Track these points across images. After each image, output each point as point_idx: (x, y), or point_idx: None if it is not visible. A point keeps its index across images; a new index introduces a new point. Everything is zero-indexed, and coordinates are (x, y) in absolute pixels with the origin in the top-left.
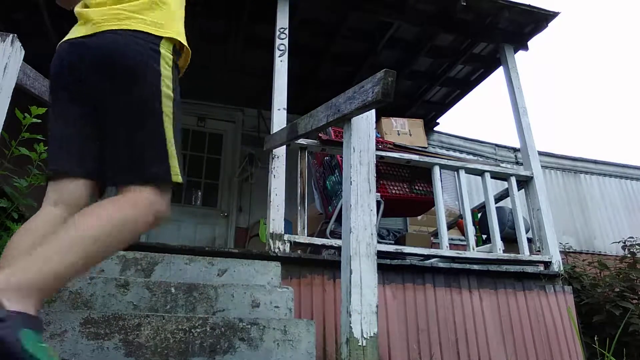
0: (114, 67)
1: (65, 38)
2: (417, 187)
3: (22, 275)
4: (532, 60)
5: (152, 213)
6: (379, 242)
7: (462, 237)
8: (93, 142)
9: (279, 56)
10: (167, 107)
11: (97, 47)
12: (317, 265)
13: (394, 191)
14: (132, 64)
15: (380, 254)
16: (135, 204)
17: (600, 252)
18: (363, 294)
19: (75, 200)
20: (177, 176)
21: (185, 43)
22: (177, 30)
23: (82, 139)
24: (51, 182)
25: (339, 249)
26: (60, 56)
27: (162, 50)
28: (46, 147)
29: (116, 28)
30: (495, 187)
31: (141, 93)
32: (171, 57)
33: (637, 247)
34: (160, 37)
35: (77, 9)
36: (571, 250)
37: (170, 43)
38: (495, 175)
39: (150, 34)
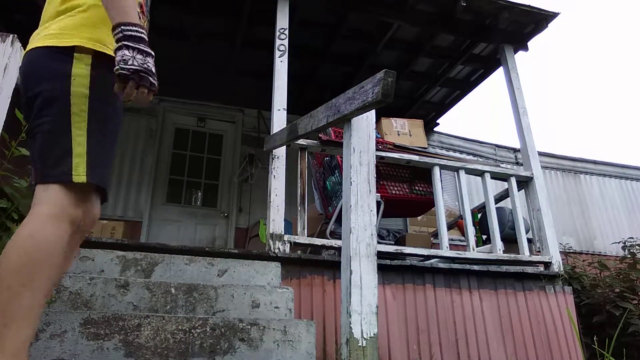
0: (26, 80)
1: None
2: (417, 188)
3: None
4: (532, 60)
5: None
6: (379, 242)
7: (462, 238)
8: None
9: (279, 56)
10: (77, 105)
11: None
12: (317, 265)
13: (394, 191)
14: (30, 78)
15: (380, 255)
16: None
17: (600, 252)
18: (363, 295)
19: None
20: (79, 176)
21: (98, 48)
22: (86, 36)
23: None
24: None
25: (339, 249)
26: None
27: (75, 54)
28: None
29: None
30: (495, 187)
31: (45, 94)
32: (87, 57)
33: (637, 247)
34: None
35: None
36: (571, 250)
37: (81, 49)
38: (495, 176)
39: (54, 45)
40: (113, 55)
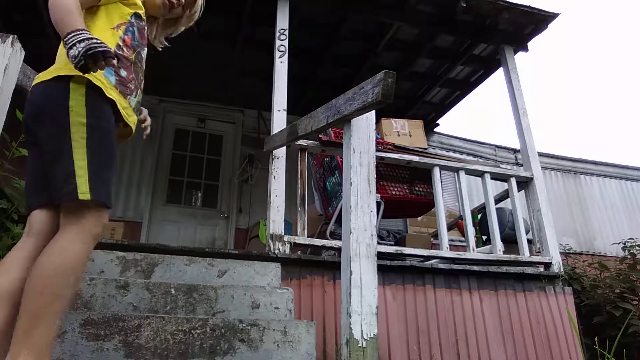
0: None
1: None
2: (417, 188)
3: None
4: (532, 61)
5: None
6: (379, 243)
7: (462, 238)
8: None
9: (279, 57)
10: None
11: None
12: (317, 266)
13: (394, 192)
14: (41, 107)
15: (381, 255)
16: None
17: (600, 253)
18: (363, 295)
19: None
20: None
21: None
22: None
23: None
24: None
25: (339, 250)
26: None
27: (71, 85)
28: None
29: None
30: (495, 188)
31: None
32: (81, 87)
33: (637, 248)
34: (65, 76)
35: None
36: (571, 251)
37: (78, 78)
38: (495, 176)
39: (58, 76)
40: (104, 83)
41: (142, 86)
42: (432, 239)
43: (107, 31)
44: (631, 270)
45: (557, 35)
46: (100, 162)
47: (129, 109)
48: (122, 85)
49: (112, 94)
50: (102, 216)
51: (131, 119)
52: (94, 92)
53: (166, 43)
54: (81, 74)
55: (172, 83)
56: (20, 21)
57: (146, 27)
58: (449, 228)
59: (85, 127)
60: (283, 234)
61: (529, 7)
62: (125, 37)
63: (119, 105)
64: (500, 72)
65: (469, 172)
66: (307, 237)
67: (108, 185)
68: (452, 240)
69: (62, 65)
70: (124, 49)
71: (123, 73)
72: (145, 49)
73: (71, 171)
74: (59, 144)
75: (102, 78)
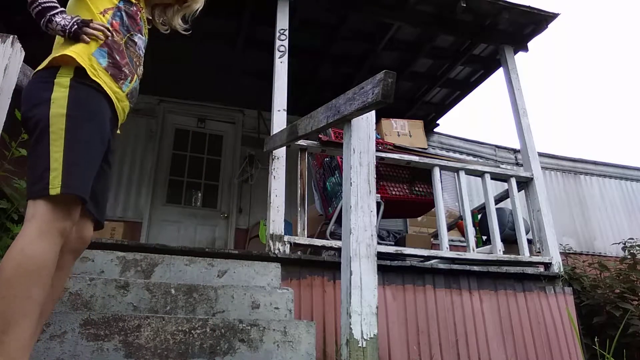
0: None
1: None
2: (417, 188)
3: None
4: (532, 61)
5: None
6: (379, 243)
7: (462, 238)
8: None
9: (279, 57)
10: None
11: None
12: (317, 266)
13: (394, 192)
14: (28, 103)
15: (380, 255)
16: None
17: (600, 253)
18: (363, 295)
19: None
20: (54, 189)
21: (78, 59)
22: (69, 51)
23: None
24: None
25: (339, 250)
26: None
27: (55, 80)
28: None
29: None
30: (495, 188)
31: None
32: (66, 80)
33: (637, 248)
34: (49, 69)
35: None
36: (571, 251)
37: (65, 68)
38: (495, 177)
39: (42, 69)
40: (93, 66)
41: (138, 72)
42: (432, 239)
43: (93, 16)
44: (631, 270)
45: (557, 35)
46: (78, 155)
47: (120, 94)
48: (114, 69)
49: (101, 76)
50: (70, 210)
51: (122, 105)
52: (80, 81)
53: (184, 25)
54: (70, 54)
55: (172, 83)
56: (20, 21)
57: (139, 13)
58: (449, 228)
59: (65, 118)
60: (283, 234)
61: (528, 7)
62: (113, 21)
63: (108, 90)
64: (500, 72)
65: (469, 172)
66: (307, 237)
67: (84, 177)
68: (452, 240)
69: (53, 51)
70: (113, 34)
71: (116, 56)
72: (139, 35)
73: (46, 166)
74: (38, 137)
75: (92, 61)
